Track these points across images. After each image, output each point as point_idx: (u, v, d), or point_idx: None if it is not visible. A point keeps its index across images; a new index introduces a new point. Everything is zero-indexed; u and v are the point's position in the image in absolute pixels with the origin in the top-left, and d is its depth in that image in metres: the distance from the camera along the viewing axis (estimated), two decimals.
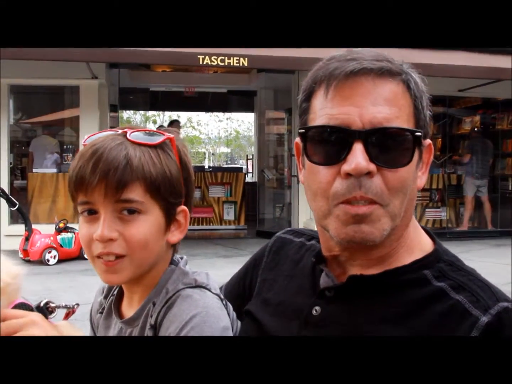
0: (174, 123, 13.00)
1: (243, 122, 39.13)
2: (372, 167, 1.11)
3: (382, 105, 1.12)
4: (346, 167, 1.11)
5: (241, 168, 19.18)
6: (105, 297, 1.41)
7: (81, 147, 1.22)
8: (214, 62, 9.45)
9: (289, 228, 1.55)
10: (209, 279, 1.29)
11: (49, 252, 9.50)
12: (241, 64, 9.55)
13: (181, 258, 1.35)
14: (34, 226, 9.76)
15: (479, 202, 13.07)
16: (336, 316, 1.19)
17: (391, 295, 1.16)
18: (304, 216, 11.82)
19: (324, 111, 1.16)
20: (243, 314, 1.37)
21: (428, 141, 1.22)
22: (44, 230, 9.84)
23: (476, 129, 13.49)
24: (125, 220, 1.20)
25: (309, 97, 1.21)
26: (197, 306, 1.18)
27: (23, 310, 1.06)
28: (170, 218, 1.27)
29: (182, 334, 1.14)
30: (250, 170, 19.73)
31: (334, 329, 1.18)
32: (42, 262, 9.33)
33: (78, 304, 1.19)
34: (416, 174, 1.19)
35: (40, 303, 1.11)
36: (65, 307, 1.17)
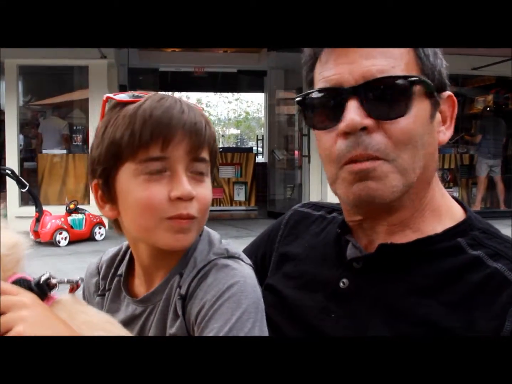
0: None
1: (252, 103, 39.02)
2: (367, 121, 1.07)
3: (375, 58, 1.08)
4: (341, 125, 1.09)
5: (251, 148, 19.17)
6: (104, 278, 1.34)
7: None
8: None
9: (306, 202, 1.50)
10: (238, 249, 1.25)
11: (60, 234, 9.54)
12: None
13: None
14: (44, 208, 9.79)
15: (492, 182, 12.97)
16: (365, 288, 1.14)
17: (424, 265, 1.11)
18: (315, 197, 11.77)
19: (321, 75, 1.15)
20: (263, 287, 1.31)
21: (447, 93, 1.17)
22: (55, 212, 9.87)
23: (488, 108, 13.34)
24: (197, 180, 1.17)
25: (311, 68, 1.20)
26: (235, 276, 1.14)
27: (19, 287, 0.99)
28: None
29: (218, 303, 1.10)
30: (260, 150, 19.68)
31: (362, 302, 1.13)
32: (53, 243, 9.38)
33: (82, 279, 1.13)
34: (433, 127, 1.14)
35: (40, 278, 1.03)
36: (68, 282, 1.10)
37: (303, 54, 1.21)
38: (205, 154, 1.17)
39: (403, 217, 1.16)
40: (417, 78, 1.09)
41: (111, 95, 1.19)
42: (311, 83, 1.21)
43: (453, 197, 1.24)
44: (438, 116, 1.16)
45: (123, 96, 1.19)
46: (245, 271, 1.17)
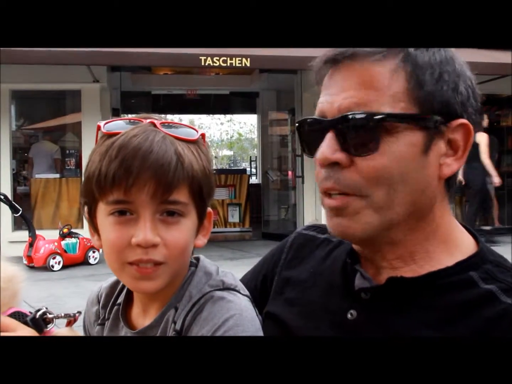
0: None
1: (245, 124, 39.17)
2: (338, 156, 1.06)
3: (353, 90, 1.05)
4: (316, 157, 1.09)
5: (245, 170, 19.19)
6: (104, 307, 1.30)
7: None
8: (216, 63, 9.40)
9: (311, 224, 1.45)
10: (236, 279, 1.21)
11: (54, 258, 9.47)
12: (243, 65, 9.50)
13: (196, 258, 1.26)
14: (38, 232, 9.74)
15: None
16: (373, 320, 1.10)
17: (435, 299, 1.07)
18: (310, 217, 11.76)
19: (318, 101, 1.13)
20: (263, 315, 1.28)
21: (460, 121, 1.07)
22: (48, 236, 9.81)
23: None
24: (168, 223, 1.09)
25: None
26: (230, 309, 1.10)
27: (17, 321, 0.97)
28: (202, 220, 1.19)
29: None
30: (253, 171, 19.71)
31: (370, 334, 1.09)
32: (46, 268, 9.29)
33: (80, 312, 1.10)
34: (425, 162, 1.06)
35: (36, 314, 1.01)
36: (65, 316, 1.07)
37: (312, 76, 1.18)
38: (179, 196, 1.09)
39: (407, 250, 1.12)
40: (382, 116, 1.03)
41: (101, 123, 1.14)
42: None
43: (466, 227, 1.20)
44: (440, 147, 1.08)
45: (110, 126, 1.14)
46: (242, 303, 1.13)
